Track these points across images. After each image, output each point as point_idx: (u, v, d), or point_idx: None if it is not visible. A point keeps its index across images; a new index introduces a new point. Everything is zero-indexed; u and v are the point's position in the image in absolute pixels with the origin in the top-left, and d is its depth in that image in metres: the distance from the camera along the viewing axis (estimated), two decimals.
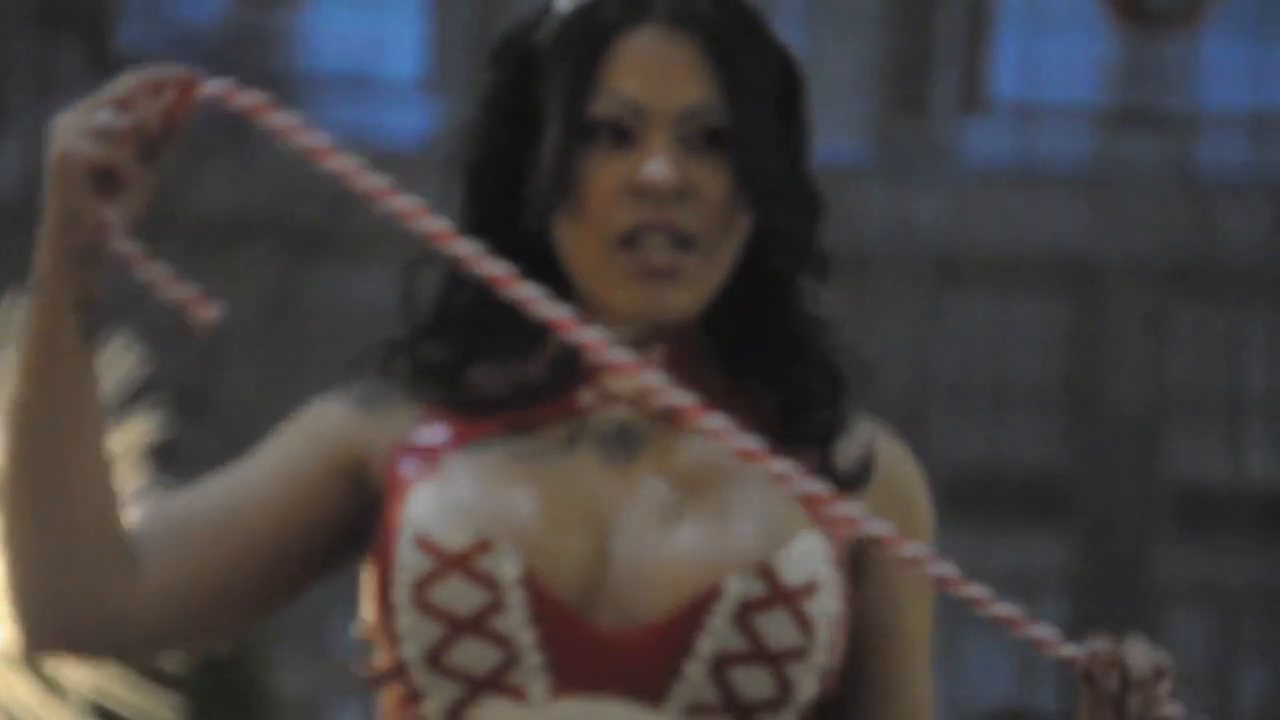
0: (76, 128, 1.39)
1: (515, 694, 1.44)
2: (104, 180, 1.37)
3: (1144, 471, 18.16)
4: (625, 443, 1.44)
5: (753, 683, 1.43)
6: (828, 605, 1.43)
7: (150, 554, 1.43)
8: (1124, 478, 17.95)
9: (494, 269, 1.36)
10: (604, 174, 1.44)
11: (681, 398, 1.38)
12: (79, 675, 5.40)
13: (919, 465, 1.51)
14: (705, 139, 1.43)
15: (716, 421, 1.38)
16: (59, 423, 1.42)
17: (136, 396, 5.78)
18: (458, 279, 1.46)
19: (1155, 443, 18.19)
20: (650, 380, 1.38)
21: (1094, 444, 18.64)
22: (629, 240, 1.43)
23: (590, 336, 1.37)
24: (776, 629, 1.43)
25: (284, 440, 1.49)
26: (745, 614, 1.43)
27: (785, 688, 1.43)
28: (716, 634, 1.43)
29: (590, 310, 1.44)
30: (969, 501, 17.83)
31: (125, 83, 1.40)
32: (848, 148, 18.41)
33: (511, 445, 1.44)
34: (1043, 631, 1.38)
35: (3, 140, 18.62)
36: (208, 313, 1.34)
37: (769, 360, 1.47)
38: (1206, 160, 18.68)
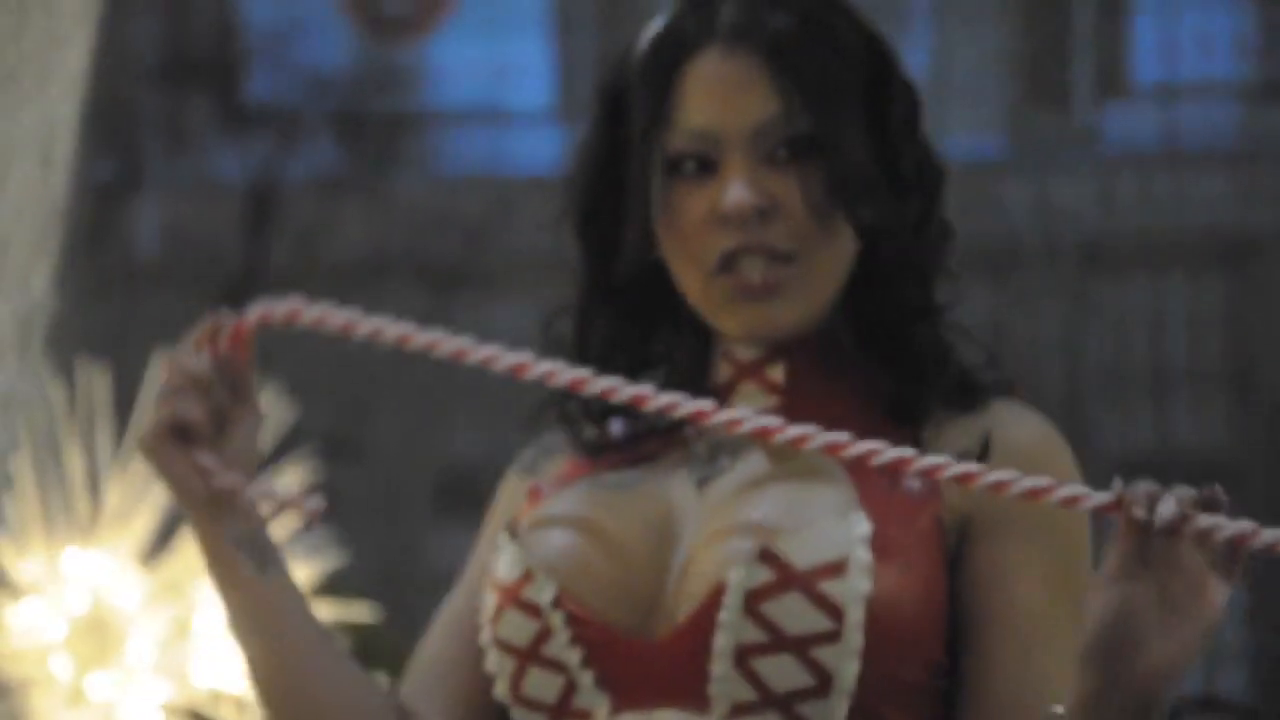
0: (149, 410, 1.50)
1: (585, 718, 1.48)
2: (183, 435, 1.45)
3: None
4: (714, 461, 1.46)
5: (782, 673, 1.43)
6: (858, 585, 1.42)
7: (428, 714, 1.49)
8: None
9: (603, 383, 1.38)
10: (692, 206, 1.48)
11: (769, 420, 1.39)
12: None
13: (1063, 442, 1.48)
14: (789, 150, 1.44)
15: (801, 429, 1.38)
16: (269, 643, 1.51)
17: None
18: (587, 333, 1.50)
19: None
20: (746, 420, 1.40)
21: (1259, 426, 18.38)
22: (726, 266, 1.45)
23: (699, 406, 1.41)
24: (792, 614, 1.42)
25: (485, 535, 1.54)
26: (754, 603, 1.43)
27: (820, 674, 1.43)
28: (730, 628, 1.44)
29: (712, 332, 1.47)
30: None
31: (172, 358, 1.49)
32: (987, 141, 18.22)
33: (606, 478, 1.48)
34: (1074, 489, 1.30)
35: (139, 200, 18.77)
36: (315, 506, 1.39)
37: (884, 353, 1.47)
38: None
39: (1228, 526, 1.27)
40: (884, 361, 1.49)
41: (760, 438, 1.42)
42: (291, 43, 18.57)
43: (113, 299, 17.54)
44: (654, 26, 1.52)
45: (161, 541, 6.02)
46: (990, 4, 19.10)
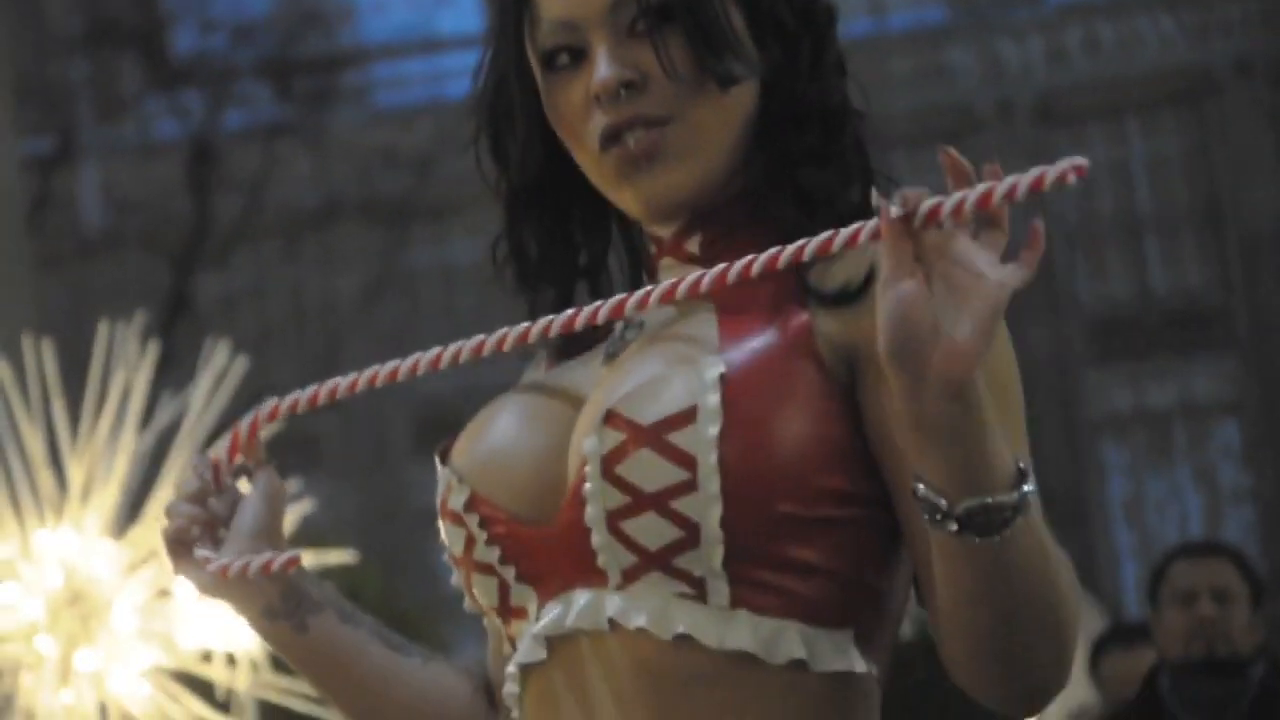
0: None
1: (522, 615, 1.49)
2: (183, 541, 1.56)
3: None
4: (622, 337, 1.49)
5: (650, 530, 1.42)
6: (708, 430, 1.41)
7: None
8: (1272, 289, 17.78)
9: (538, 326, 1.49)
10: (571, 95, 1.52)
11: (665, 285, 1.45)
12: (246, 685, 5.45)
13: None
14: (647, 20, 1.47)
15: (690, 278, 1.44)
16: (355, 690, 1.60)
17: (250, 404, 5.88)
18: (521, 247, 1.58)
19: None
20: (626, 302, 1.46)
21: (1234, 262, 18.46)
22: (608, 142, 1.49)
23: (612, 301, 1.47)
24: (646, 471, 1.42)
25: None
26: (610, 466, 1.43)
27: (685, 525, 1.42)
28: (596, 496, 1.43)
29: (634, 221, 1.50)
30: (1121, 342, 17.72)
31: (179, 480, 1.62)
32: (929, 9, 18.28)
33: (541, 376, 1.55)
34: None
35: (79, 169, 18.84)
36: (293, 562, 1.53)
37: (790, 201, 1.49)
38: None
39: (970, 194, 1.26)
40: (789, 208, 1.49)
41: (643, 307, 1.47)
42: None
43: (64, 271, 17.85)
44: None
45: (131, 511, 6.09)
46: None
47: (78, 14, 18.71)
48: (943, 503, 1.33)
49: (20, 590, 5.87)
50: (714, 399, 1.42)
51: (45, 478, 5.82)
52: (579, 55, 1.51)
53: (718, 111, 1.50)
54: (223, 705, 5.59)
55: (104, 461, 5.81)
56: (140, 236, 18.03)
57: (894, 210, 1.27)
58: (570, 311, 1.48)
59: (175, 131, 18.31)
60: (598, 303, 1.47)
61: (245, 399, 5.68)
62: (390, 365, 1.54)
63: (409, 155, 17.61)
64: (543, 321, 1.48)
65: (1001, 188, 1.26)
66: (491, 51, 1.55)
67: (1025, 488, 1.33)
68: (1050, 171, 1.27)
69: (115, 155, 18.76)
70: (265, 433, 1.62)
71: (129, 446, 5.79)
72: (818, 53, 1.52)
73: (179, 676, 5.66)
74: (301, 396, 1.57)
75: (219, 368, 5.83)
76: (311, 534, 6.49)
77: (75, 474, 5.83)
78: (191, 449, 5.77)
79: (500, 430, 1.52)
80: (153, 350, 5.87)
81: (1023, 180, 1.27)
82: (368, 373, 1.55)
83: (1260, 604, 4.03)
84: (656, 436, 1.43)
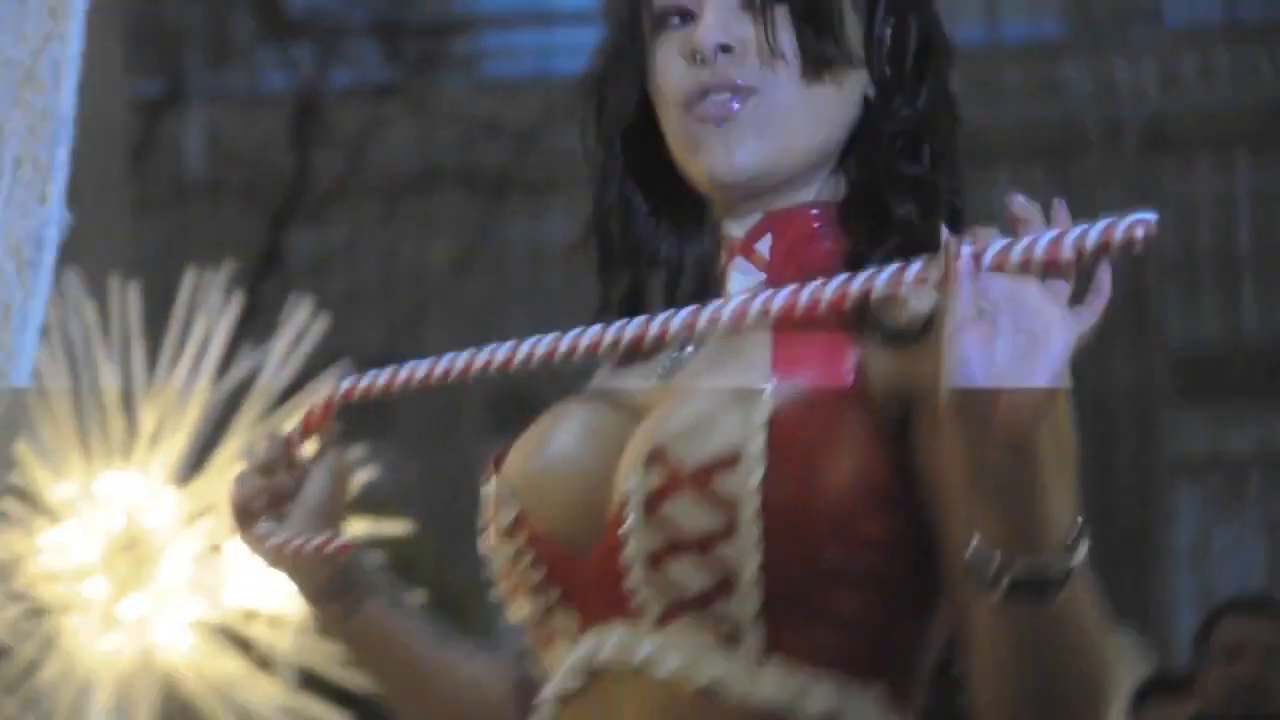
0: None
1: (565, 637, 1.48)
2: (247, 513, 1.58)
3: None
4: (682, 348, 1.49)
5: (688, 574, 1.41)
6: (752, 479, 1.39)
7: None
8: None
9: (616, 335, 1.47)
10: (671, 53, 1.53)
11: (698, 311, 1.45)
12: (286, 647, 5.48)
13: None
14: (764, 5, 1.49)
15: (757, 305, 1.42)
16: (399, 678, 1.62)
17: (329, 364, 5.93)
18: (607, 237, 1.59)
19: None
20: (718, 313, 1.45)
21: None
22: (693, 102, 1.50)
23: (684, 315, 1.46)
24: (687, 514, 1.41)
25: None
26: (653, 507, 1.42)
27: (724, 571, 1.40)
28: (636, 535, 1.42)
29: (713, 222, 1.50)
30: (1206, 383, 17.57)
31: (250, 451, 1.64)
32: (1045, 22, 18.17)
33: (595, 389, 1.55)
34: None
35: (186, 115, 18.90)
36: (347, 548, 1.56)
37: (867, 224, 1.48)
38: None
39: (1039, 242, 1.26)
40: (863, 227, 1.49)
41: (712, 324, 1.45)
42: None
43: (162, 214, 17.79)
44: None
45: (195, 463, 6.08)
46: None
47: None
48: (996, 559, 1.30)
49: (79, 531, 5.90)
50: (759, 444, 1.40)
51: (117, 420, 5.86)
52: (689, 18, 1.52)
53: (806, 99, 1.50)
54: (262, 664, 5.62)
55: (176, 409, 5.86)
56: (240, 187, 17.94)
57: (964, 250, 1.26)
58: (641, 322, 1.47)
59: (282, 84, 18.31)
60: (668, 313, 1.46)
61: (326, 359, 5.71)
62: (466, 357, 1.54)
63: (512, 127, 17.50)
64: (614, 332, 1.48)
65: (1070, 239, 1.27)
66: (610, 25, 1.57)
67: (1080, 550, 1.32)
68: (1119, 226, 1.27)
69: (222, 103, 18.75)
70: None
71: (202, 396, 5.83)
72: (929, 85, 1.52)
73: (222, 632, 5.70)
74: (378, 380, 1.58)
75: (299, 326, 5.86)
76: (372, 501, 6.52)
77: (147, 419, 5.87)
78: (264, 405, 5.81)
79: (557, 446, 1.51)
80: (236, 302, 5.90)
81: (1091, 232, 1.27)
82: (443, 363, 1.55)
83: None
84: (700, 480, 1.41)
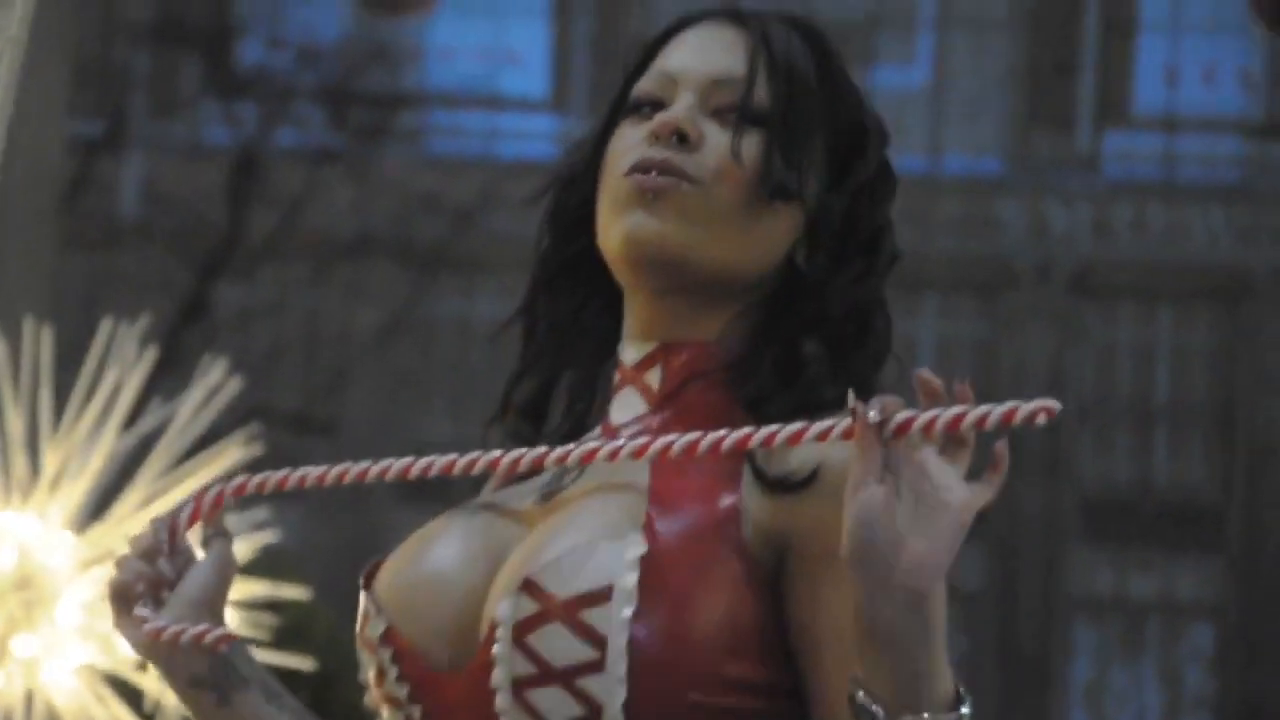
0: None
1: None
2: (125, 598, 1.58)
3: None
4: (562, 473, 1.49)
5: (554, 704, 1.41)
6: (622, 612, 1.40)
7: None
8: (1273, 502, 17.79)
9: (514, 459, 1.50)
10: (631, 133, 1.53)
11: (589, 445, 1.47)
12: (175, 701, 5.50)
13: None
14: (740, 119, 1.51)
15: (659, 444, 1.44)
16: None
17: (242, 421, 5.92)
18: (533, 327, 1.59)
19: None
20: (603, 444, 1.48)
21: (1239, 466, 18.47)
22: (634, 170, 1.50)
23: (578, 449, 1.48)
24: (555, 645, 1.41)
25: None
26: (521, 635, 1.42)
27: (589, 704, 1.41)
28: (505, 661, 1.43)
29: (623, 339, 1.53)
30: (1113, 526, 17.71)
31: (134, 537, 1.62)
32: (985, 159, 18.38)
33: (482, 501, 1.56)
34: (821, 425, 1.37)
35: (124, 157, 18.91)
36: (224, 639, 1.55)
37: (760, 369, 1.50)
38: None
39: (942, 415, 1.30)
40: (767, 376, 1.51)
41: (590, 459, 1.48)
42: (286, 12, 18.82)
43: (91, 254, 17.75)
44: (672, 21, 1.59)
45: (96, 510, 6.02)
46: (996, 22, 19.27)
47: (149, 7, 18.77)
48: (880, 714, 1.32)
49: None
50: (631, 580, 1.41)
51: (19, 461, 5.85)
52: (658, 108, 1.53)
53: (743, 215, 1.50)
54: (148, 717, 5.55)
55: (80, 455, 5.84)
56: (171, 235, 17.88)
57: (871, 415, 1.30)
58: (539, 450, 1.49)
59: (224, 139, 18.33)
60: (565, 448, 1.48)
61: (244, 415, 5.69)
62: (360, 466, 1.56)
63: (450, 204, 17.61)
64: (511, 457, 1.49)
65: (973, 415, 1.30)
66: (595, 126, 1.58)
67: (963, 711, 1.34)
68: (1022, 409, 1.31)
69: (161, 151, 18.73)
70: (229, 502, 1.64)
71: (107, 445, 5.82)
72: (869, 273, 1.54)
73: (110, 680, 5.63)
74: (270, 479, 1.59)
75: (213, 384, 5.87)
76: (274, 563, 6.51)
77: (50, 462, 5.85)
78: (171, 458, 5.79)
79: (432, 561, 1.52)
80: (150, 354, 5.91)
81: (994, 411, 1.31)
82: (337, 469, 1.57)
83: None
84: (570, 612, 1.41)
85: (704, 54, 1.54)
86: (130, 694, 5.62)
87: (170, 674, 1.60)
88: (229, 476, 1.61)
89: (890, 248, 1.55)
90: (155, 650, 1.57)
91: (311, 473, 1.58)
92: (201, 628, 1.54)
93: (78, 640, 5.67)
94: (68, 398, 5.87)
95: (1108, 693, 17.57)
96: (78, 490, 5.87)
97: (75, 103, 17.97)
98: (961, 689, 1.34)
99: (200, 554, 1.60)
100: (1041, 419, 1.31)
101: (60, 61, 17.50)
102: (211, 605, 1.57)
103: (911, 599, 1.30)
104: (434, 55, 19.29)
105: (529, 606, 1.42)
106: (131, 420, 5.86)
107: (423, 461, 1.53)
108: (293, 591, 6.16)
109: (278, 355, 17.78)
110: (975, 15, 18.61)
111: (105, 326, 5.93)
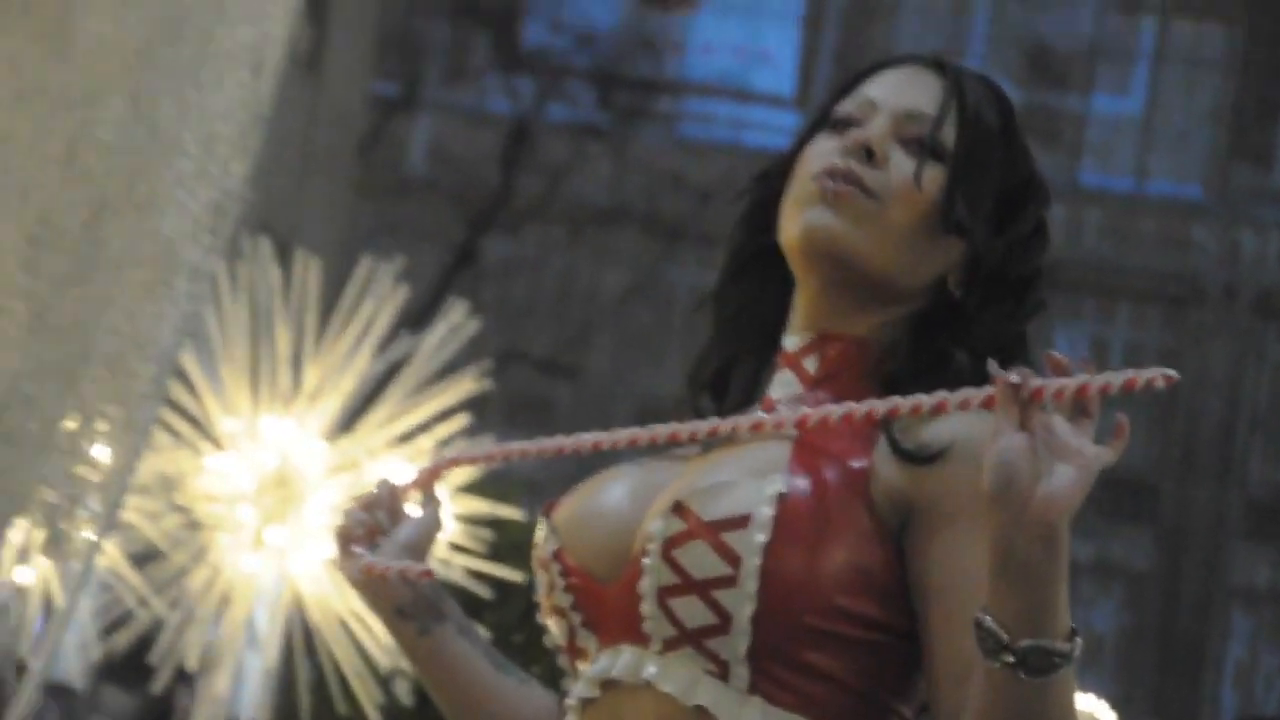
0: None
1: (584, 656, 1.54)
2: (346, 540, 1.65)
3: None
4: (708, 445, 1.57)
5: (691, 611, 1.46)
6: (757, 537, 1.45)
7: None
8: None
9: (693, 430, 1.56)
10: (827, 142, 1.56)
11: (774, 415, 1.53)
12: None
13: None
14: (928, 145, 1.54)
15: (819, 412, 1.50)
16: (455, 697, 1.66)
17: (499, 361, 5.97)
18: (721, 314, 1.64)
19: None
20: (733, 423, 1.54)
21: None
22: (821, 175, 1.53)
23: (748, 419, 1.54)
24: (697, 559, 1.46)
25: None
26: (669, 549, 1.47)
27: (721, 613, 1.45)
28: (652, 571, 1.47)
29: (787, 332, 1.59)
30: (1275, 526, 17.41)
31: (361, 491, 1.71)
32: (1187, 186, 18.10)
33: (653, 458, 1.62)
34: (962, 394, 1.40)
35: (415, 118, 19.32)
36: (424, 575, 1.60)
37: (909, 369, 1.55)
38: None
39: (1071, 383, 1.33)
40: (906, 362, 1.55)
41: (759, 429, 1.54)
42: (569, 0, 19.07)
43: (379, 201, 18.18)
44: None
45: (347, 422, 6.20)
46: (1208, 61, 18.92)
47: None
48: (1005, 637, 1.34)
49: (238, 462, 5.99)
50: (767, 512, 1.45)
51: (284, 374, 5.97)
52: (855, 127, 1.56)
53: (910, 233, 1.53)
54: None
55: (336, 374, 5.95)
56: (449, 190, 18.20)
57: (1013, 378, 1.33)
58: (714, 421, 1.55)
59: (503, 108, 18.61)
60: (739, 418, 1.55)
61: (499, 356, 5.75)
62: (555, 441, 1.62)
63: (695, 184, 17.63)
64: (692, 428, 1.56)
65: (1098, 382, 1.32)
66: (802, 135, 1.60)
67: (1078, 640, 1.35)
68: (1142, 376, 1.33)
69: (447, 115, 19.06)
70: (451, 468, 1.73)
71: (360, 367, 5.94)
72: (1018, 301, 1.57)
73: None
74: (484, 453, 1.70)
75: (453, 323, 5.95)
76: (498, 487, 6.56)
77: (310, 377, 5.97)
78: (412, 385, 5.91)
79: (600, 496, 1.57)
80: (402, 290, 5.99)
81: (1117, 379, 1.33)
82: (539, 443, 1.63)
83: None
84: (712, 533, 1.46)
85: (902, 89, 1.57)
86: None
87: (378, 605, 1.66)
88: (451, 451, 1.67)
89: (1037, 297, 1.58)
90: (367, 584, 1.64)
91: (517, 448, 1.64)
92: (408, 563, 1.61)
93: (323, 536, 5.83)
94: (329, 324, 5.99)
95: (1258, 675, 17.45)
96: (332, 405, 6.04)
97: (377, 67, 18.25)
98: (1076, 628, 1.36)
99: (415, 512, 1.66)
100: (1160, 384, 1.33)
101: (367, 29, 17.82)
102: (417, 552, 1.64)
103: (1042, 533, 1.32)
104: (694, 48, 19.32)
105: (677, 525, 1.47)
106: (383, 348, 5.98)
107: (622, 434, 1.58)
108: (511, 512, 6.24)
109: (532, 306, 18.02)
110: (1189, 53, 18.39)
111: (364, 264, 6.04)
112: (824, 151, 1.56)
